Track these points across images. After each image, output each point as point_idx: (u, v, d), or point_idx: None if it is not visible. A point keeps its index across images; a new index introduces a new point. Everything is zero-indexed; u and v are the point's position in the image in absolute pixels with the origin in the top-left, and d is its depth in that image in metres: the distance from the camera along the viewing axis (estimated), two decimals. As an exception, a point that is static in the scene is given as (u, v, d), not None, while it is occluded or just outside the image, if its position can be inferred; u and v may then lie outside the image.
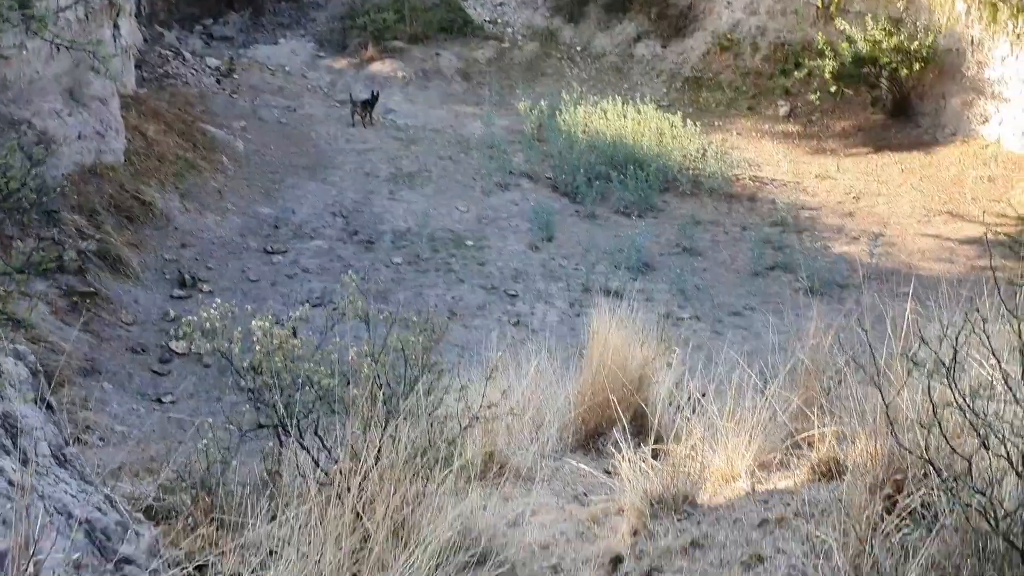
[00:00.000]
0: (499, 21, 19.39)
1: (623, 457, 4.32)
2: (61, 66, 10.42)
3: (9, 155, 6.42)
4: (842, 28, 15.78)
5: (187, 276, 10.58)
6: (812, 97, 16.40)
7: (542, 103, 16.20)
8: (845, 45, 15.57)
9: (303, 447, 3.47)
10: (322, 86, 17.41)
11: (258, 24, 19.33)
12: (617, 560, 3.64)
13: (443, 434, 3.56)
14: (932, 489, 2.81)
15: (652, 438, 4.49)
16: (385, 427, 3.34)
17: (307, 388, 3.53)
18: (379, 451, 3.30)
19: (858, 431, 4.20)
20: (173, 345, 9.42)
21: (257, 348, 3.50)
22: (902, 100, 15.91)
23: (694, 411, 5.72)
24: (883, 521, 2.83)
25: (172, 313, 9.90)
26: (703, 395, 5.60)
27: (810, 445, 4.69)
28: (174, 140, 12.99)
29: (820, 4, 16.75)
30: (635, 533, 3.86)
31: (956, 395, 2.55)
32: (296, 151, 14.55)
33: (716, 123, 16.84)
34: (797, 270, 12.46)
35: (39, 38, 8.71)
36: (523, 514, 4.16)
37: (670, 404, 6.27)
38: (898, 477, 2.98)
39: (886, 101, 16.11)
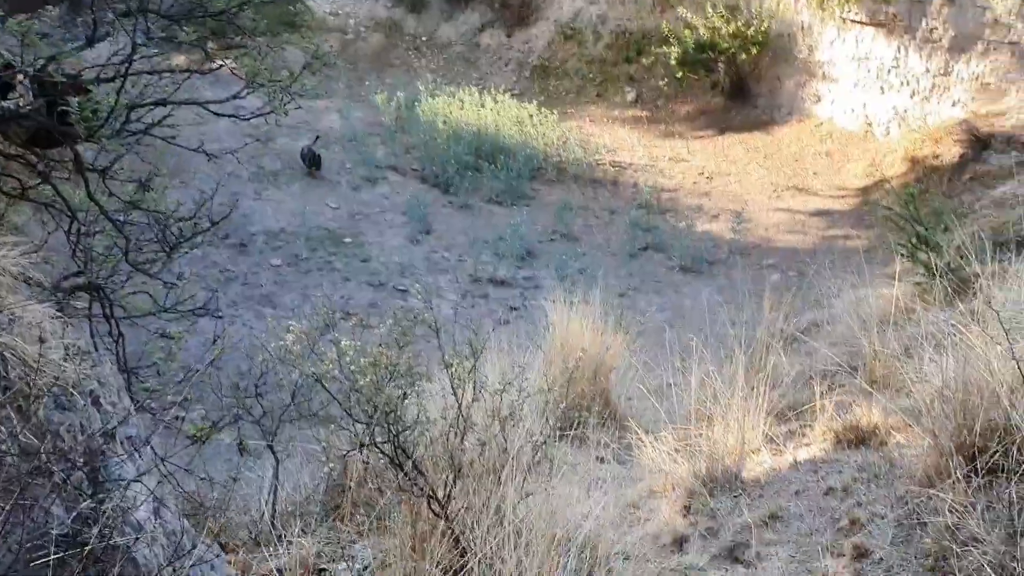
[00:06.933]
0: (340, 13, 18.95)
1: (645, 442, 4.36)
2: None
3: None
4: (683, 15, 16.45)
5: None
6: (659, 83, 17.03)
7: (399, 94, 16.01)
8: (687, 32, 16.24)
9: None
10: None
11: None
12: (682, 540, 3.67)
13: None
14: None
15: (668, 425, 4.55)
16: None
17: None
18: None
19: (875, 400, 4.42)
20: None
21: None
22: (740, 83, 16.77)
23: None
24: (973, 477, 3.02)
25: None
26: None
27: (799, 415, 4.90)
28: None
29: (658, -9, 17.39)
30: (687, 512, 3.91)
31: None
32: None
33: (568, 111, 17.18)
34: (668, 249, 12.97)
35: None
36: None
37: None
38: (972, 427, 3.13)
39: (725, 85, 16.93)
